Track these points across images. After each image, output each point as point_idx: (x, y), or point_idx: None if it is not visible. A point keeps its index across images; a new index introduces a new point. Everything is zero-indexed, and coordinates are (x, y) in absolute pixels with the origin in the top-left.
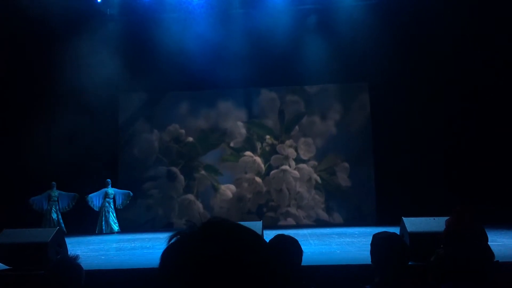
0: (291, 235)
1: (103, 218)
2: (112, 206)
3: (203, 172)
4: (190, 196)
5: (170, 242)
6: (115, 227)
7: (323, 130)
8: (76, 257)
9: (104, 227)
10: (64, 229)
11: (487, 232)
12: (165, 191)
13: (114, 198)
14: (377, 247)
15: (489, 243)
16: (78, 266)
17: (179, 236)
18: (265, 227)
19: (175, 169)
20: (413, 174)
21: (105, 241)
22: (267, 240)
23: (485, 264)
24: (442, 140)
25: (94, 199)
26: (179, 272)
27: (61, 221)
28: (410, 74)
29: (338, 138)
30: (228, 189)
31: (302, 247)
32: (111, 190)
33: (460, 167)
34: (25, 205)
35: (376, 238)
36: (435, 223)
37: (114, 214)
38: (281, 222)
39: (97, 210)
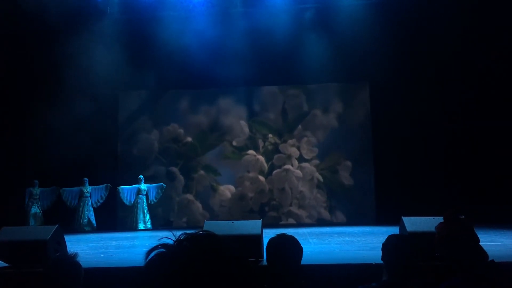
0: (291, 234)
1: (136, 214)
2: (145, 203)
3: (202, 172)
4: (189, 196)
5: (148, 258)
6: (148, 224)
7: (325, 124)
8: (74, 255)
9: (136, 224)
10: (95, 225)
11: (487, 232)
12: (165, 191)
13: (146, 195)
14: (390, 246)
15: (489, 243)
16: (77, 264)
17: (155, 252)
18: (267, 226)
19: (174, 169)
20: (413, 173)
21: (105, 238)
22: (268, 239)
23: (479, 264)
24: (442, 139)
25: (126, 192)
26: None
27: (93, 217)
28: (410, 73)
29: (338, 136)
30: (227, 190)
31: (302, 246)
32: (143, 187)
33: (460, 167)
34: (59, 196)
35: (390, 237)
36: (434, 223)
37: (147, 211)
38: (283, 222)
39: (129, 204)
